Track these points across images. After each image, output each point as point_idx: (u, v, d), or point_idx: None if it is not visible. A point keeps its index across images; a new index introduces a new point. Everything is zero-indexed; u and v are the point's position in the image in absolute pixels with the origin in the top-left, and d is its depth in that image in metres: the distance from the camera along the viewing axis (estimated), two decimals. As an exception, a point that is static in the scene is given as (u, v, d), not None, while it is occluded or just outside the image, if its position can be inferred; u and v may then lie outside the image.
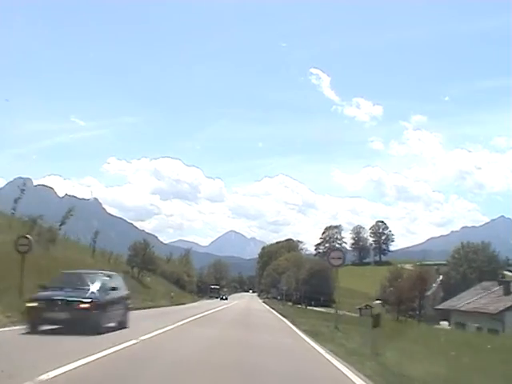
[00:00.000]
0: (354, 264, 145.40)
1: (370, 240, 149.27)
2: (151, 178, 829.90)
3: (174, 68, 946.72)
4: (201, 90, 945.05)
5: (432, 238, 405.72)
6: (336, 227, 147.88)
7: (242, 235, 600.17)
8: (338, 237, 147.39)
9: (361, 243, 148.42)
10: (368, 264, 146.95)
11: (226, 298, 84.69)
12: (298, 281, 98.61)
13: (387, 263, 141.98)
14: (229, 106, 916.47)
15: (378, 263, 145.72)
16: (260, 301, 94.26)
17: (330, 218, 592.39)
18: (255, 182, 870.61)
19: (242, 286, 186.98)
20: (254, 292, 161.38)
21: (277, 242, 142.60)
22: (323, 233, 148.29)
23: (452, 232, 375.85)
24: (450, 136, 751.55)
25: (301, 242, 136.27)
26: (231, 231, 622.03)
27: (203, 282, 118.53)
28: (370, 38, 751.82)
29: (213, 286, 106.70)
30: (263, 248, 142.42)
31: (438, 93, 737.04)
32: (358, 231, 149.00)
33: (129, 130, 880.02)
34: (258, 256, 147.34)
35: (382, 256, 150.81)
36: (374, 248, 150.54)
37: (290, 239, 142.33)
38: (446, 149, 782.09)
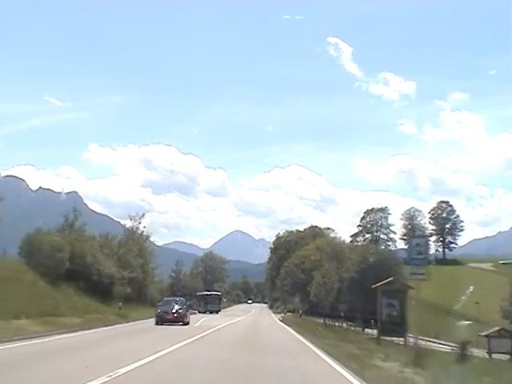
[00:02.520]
0: (407, 263, 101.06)
1: (430, 229, 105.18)
2: (141, 168, 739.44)
3: (167, 38, 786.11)
4: (199, 64, 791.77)
5: (474, 240, 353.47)
6: (381, 210, 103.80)
7: (249, 236, 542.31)
8: (384, 223, 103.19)
9: (416, 233, 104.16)
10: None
11: (186, 321, 31.13)
12: (341, 281, 57.91)
13: (454, 262, 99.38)
14: (232, 83, 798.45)
15: (441, 262, 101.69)
16: (275, 319, 50.60)
17: (353, 216, 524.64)
18: (264, 174, 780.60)
19: (247, 294, 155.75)
20: (264, 303, 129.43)
21: (297, 231, 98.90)
22: (362, 218, 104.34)
23: (499, 233, 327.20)
24: (497, 118, 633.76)
25: (331, 230, 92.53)
26: (236, 231, 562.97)
27: (184, 286, 74.86)
28: (399, 0, 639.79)
29: (208, 293, 62.57)
30: (278, 237, 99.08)
31: (481, 66, 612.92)
32: (411, 216, 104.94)
33: (113, 112, 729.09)
34: (269, 249, 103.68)
35: (446, 251, 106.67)
36: (434, 240, 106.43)
37: (315, 226, 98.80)
38: (492, 133, 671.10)
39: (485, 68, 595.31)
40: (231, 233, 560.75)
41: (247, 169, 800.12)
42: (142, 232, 51.66)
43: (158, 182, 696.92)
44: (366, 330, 36.43)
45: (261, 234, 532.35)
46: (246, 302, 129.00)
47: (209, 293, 66.13)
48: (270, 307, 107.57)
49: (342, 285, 59.88)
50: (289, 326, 36.54)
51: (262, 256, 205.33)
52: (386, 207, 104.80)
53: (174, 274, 74.95)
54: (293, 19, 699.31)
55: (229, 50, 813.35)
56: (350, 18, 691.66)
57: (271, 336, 25.40)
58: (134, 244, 48.02)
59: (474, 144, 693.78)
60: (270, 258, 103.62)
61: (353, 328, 39.67)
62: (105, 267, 36.64)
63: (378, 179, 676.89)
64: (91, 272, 34.68)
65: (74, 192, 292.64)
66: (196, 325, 31.61)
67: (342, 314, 42.97)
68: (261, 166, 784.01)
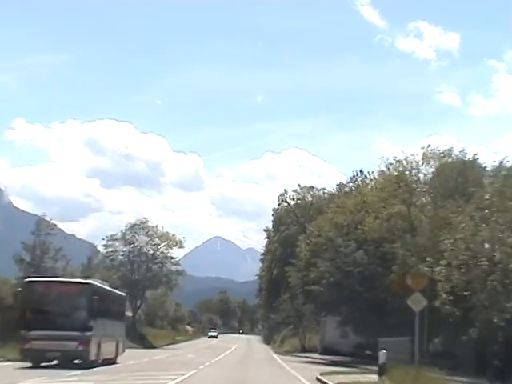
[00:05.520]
0: None
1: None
2: (85, 151, 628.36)
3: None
4: (165, 12, 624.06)
5: None
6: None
7: (233, 244, 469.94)
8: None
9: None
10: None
11: None
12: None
13: None
14: (210, 37, 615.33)
15: None
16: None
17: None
18: (252, 160, 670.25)
19: (227, 321, 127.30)
20: (242, 332, 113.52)
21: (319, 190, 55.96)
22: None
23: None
24: None
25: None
26: (215, 238, 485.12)
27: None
28: None
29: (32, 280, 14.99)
30: (283, 200, 55.13)
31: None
32: None
33: (47, 76, 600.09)
34: (264, 232, 61.95)
35: None
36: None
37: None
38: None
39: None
40: (209, 240, 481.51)
41: (229, 154, 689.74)
42: None
43: (108, 171, 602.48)
44: None
45: (248, 243, 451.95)
46: (208, 335, 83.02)
47: (37, 279, 19.30)
48: (267, 341, 71.92)
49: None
50: None
51: (251, 271, 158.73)
52: (475, 156, 59.50)
53: (26, 257, 28.86)
54: None
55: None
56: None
57: None
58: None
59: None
60: (266, 250, 61.39)
61: None
62: None
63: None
64: None
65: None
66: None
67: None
68: (248, 150, 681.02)
